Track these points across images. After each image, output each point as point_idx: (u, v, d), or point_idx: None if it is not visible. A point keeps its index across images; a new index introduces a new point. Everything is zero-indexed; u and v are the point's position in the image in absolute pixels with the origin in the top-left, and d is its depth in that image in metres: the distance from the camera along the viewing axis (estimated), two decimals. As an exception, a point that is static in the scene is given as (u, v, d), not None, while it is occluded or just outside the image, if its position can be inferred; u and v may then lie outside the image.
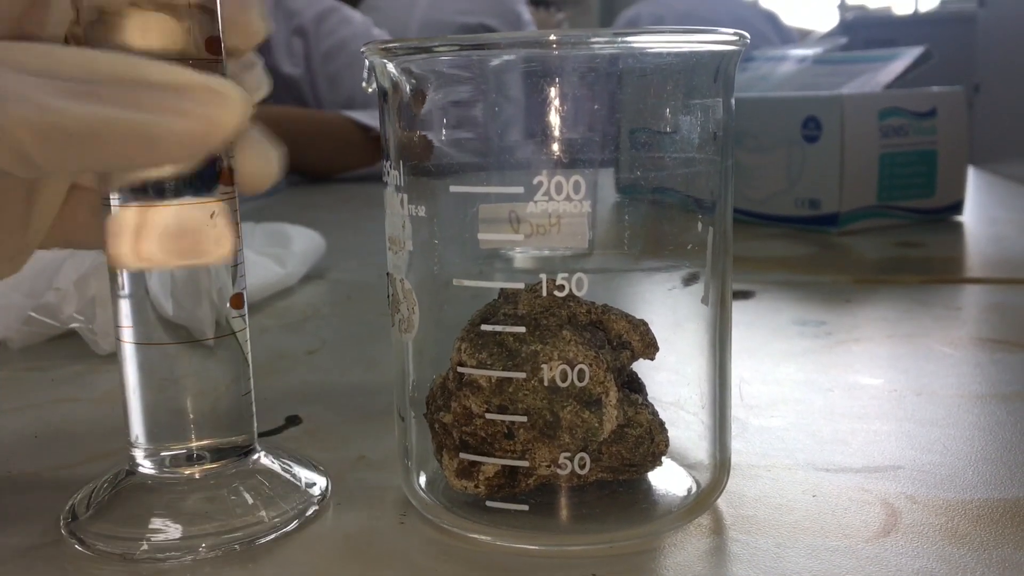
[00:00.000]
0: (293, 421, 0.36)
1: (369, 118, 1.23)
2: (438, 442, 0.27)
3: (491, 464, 0.26)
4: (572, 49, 0.24)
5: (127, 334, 0.27)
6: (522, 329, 0.25)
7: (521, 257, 0.28)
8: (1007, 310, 0.51)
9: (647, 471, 0.27)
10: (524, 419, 0.25)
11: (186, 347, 0.27)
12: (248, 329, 0.28)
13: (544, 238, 0.25)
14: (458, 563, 0.25)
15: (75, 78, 0.21)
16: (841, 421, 0.35)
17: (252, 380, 0.28)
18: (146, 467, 0.27)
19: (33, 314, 0.46)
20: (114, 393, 0.40)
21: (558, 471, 0.26)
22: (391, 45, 0.25)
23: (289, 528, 0.27)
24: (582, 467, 0.26)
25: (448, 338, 0.27)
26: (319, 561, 0.26)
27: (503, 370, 0.25)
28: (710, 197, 0.27)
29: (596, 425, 0.25)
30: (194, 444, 0.27)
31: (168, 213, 0.25)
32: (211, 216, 0.26)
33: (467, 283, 0.26)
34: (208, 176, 0.26)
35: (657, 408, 0.27)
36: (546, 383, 0.25)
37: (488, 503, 0.26)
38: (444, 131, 0.26)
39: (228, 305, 0.27)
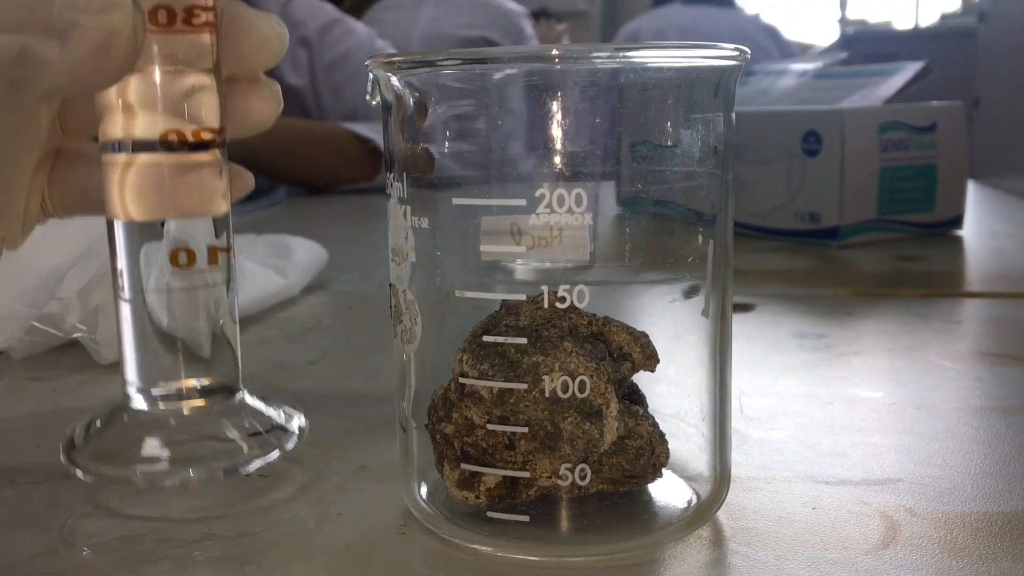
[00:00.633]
0: (294, 431, 0.36)
1: (369, 131, 1.24)
2: (439, 453, 0.27)
3: (492, 475, 0.26)
4: (574, 63, 0.24)
5: (125, 290, 0.28)
6: (523, 340, 0.25)
7: (523, 269, 0.28)
8: (1007, 324, 0.51)
9: (647, 483, 0.28)
10: (525, 430, 0.25)
11: (180, 298, 0.28)
12: (235, 275, 0.30)
13: (546, 250, 0.25)
14: (459, 574, 0.25)
15: None
16: (841, 434, 0.35)
17: (238, 326, 0.30)
18: (138, 403, 0.28)
19: (36, 324, 0.46)
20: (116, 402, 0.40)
21: (559, 482, 0.26)
22: (394, 59, 0.26)
23: (271, 457, 0.29)
24: (583, 478, 0.26)
25: (450, 349, 0.27)
26: (319, 571, 0.26)
27: (504, 381, 0.25)
28: (711, 210, 0.27)
29: (597, 436, 0.25)
30: (183, 383, 0.29)
31: (160, 165, 0.27)
32: (202, 170, 0.27)
33: (469, 294, 0.26)
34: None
35: (657, 420, 0.28)
36: (547, 394, 0.25)
37: (489, 514, 0.26)
38: (447, 144, 0.26)
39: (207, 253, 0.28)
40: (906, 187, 0.76)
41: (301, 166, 1.18)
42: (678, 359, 0.28)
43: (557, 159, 0.25)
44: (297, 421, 0.31)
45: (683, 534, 0.27)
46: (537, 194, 0.24)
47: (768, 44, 2.24)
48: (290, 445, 0.29)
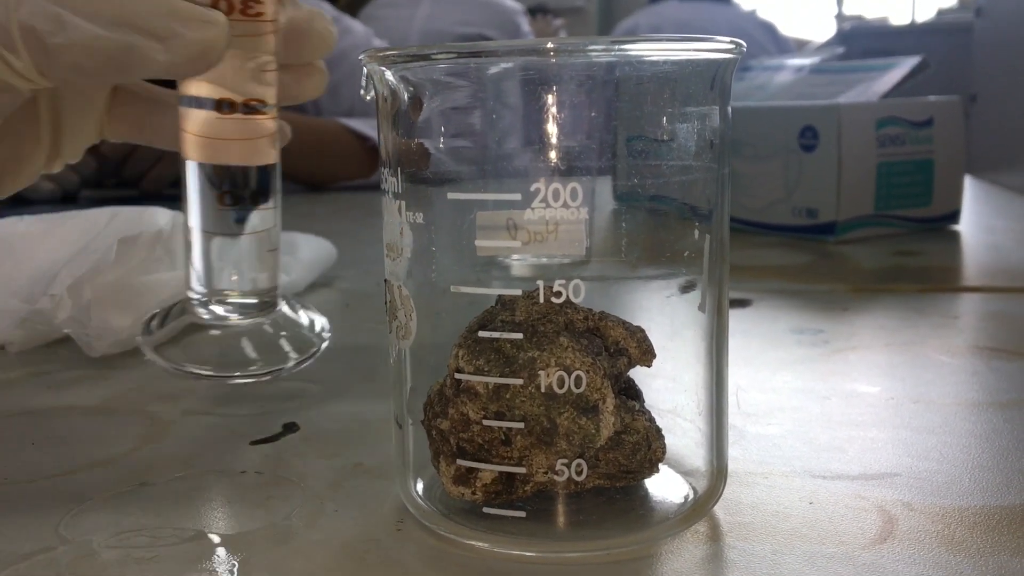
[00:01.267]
0: (291, 428, 0.36)
1: (367, 127, 1.23)
2: (435, 449, 0.27)
3: (488, 471, 0.26)
4: (569, 57, 0.24)
5: (190, 217, 0.35)
6: (519, 336, 0.25)
7: (518, 264, 0.28)
8: (1004, 318, 0.51)
9: (644, 478, 0.28)
10: (521, 425, 0.25)
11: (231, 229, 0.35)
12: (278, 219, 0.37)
13: (541, 245, 0.25)
14: (455, 570, 0.25)
15: (100, 14, 0.29)
16: (838, 429, 0.35)
17: (279, 252, 0.37)
18: (199, 312, 0.36)
19: (27, 319, 0.46)
20: (112, 400, 0.40)
21: (555, 478, 0.26)
22: (389, 53, 0.26)
23: (308, 362, 0.37)
24: (579, 474, 0.26)
25: (445, 345, 0.27)
26: (316, 568, 0.26)
27: (500, 376, 0.25)
28: (707, 205, 0.27)
29: (593, 432, 0.25)
30: (235, 296, 0.36)
31: (219, 121, 0.34)
32: (250, 128, 0.34)
33: (464, 290, 0.26)
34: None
35: (654, 415, 0.27)
36: (543, 389, 0.25)
37: (485, 510, 0.26)
38: (442, 139, 0.26)
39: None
40: (903, 182, 0.76)
41: (298, 163, 1.18)
42: (675, 354, 0.28)
43: (553, 153, 0.25)
44: (321, 323, 0.38)
45: (680, 529, 0.27)
46: (533, 188, 0.24)
47: (765, 40, 2.24)
48: (322, 348, 0.38)
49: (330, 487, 0.31)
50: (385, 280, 0.28)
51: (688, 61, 0.26)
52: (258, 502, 0.30)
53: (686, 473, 0.28)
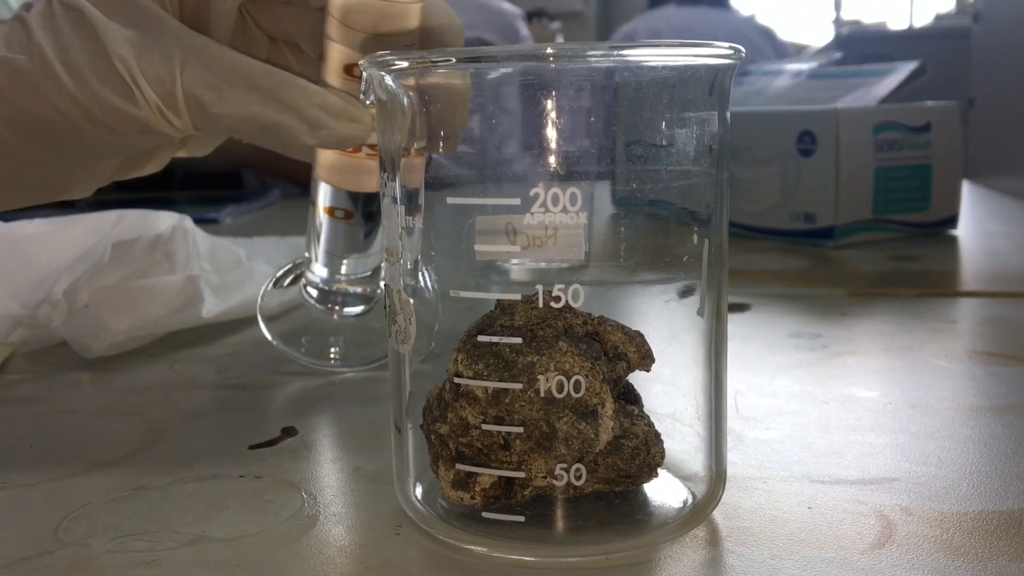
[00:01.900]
0: (289, 432, 0.36)
1: None
2: (434, 453, 0.27)
3: (487, 475, 0.26)
4: (569, 62, 0.24)
5: (316, 221, 0.41)
6: (518, 340, 0.25)
7: (518, 269, 0.28)
8: (1002, 323, 0.51)
9: (643, 482, 0.28)
10: (520, 430, 0.25)
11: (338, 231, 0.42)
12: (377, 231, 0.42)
13: (541, 250, 0.25)
14: (454, 575, 0.25)
15: (256, 75, 0.32)
16: (836, 433, 0.35)
17: (374, 258, 0.43)
18: (312, 296, 0.43)
19: (24, 322, 0.46)
20: (111, 403, 0.40)
21: (554, 482, 0.26)
22: (388, 58, 0.26)
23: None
24: (578, 478, 0.26)
25: (445, 349, 0.27)
26: (314, 573, 0.26)
27: (499, 381, 0.25)
28: (706, 210, 0.27)
29: (592, 436, 0.25)
30: (341, 287, 0.43)
31: (342, 158, 0.39)
32: (363, 165, 0.40)
33: (464, 294, 0.26)
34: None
35: (653, 420, 0.27)
36: (542, 394, 0.25)
37: (484, 514, 0.26)
38: (441, 143, 0.26)
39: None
40: (901, 187, 0.76)
41: (298, 164, 1.18)
42: (674, 359, 0.28)
43: (552, 158, 0.25)
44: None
45: (679, 534, 0.27)
46: (532, 193, 0.24)
47: (763, 45, 2.24)
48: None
49: (328, 491, 0.31)
50: (385, 284, 0.28)
51: (687, 67, 0.26)
52: (256, 506, 0.30)
53: (685, 478, 0.28)
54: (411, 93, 0.26)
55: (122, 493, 0.31)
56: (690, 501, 0.28)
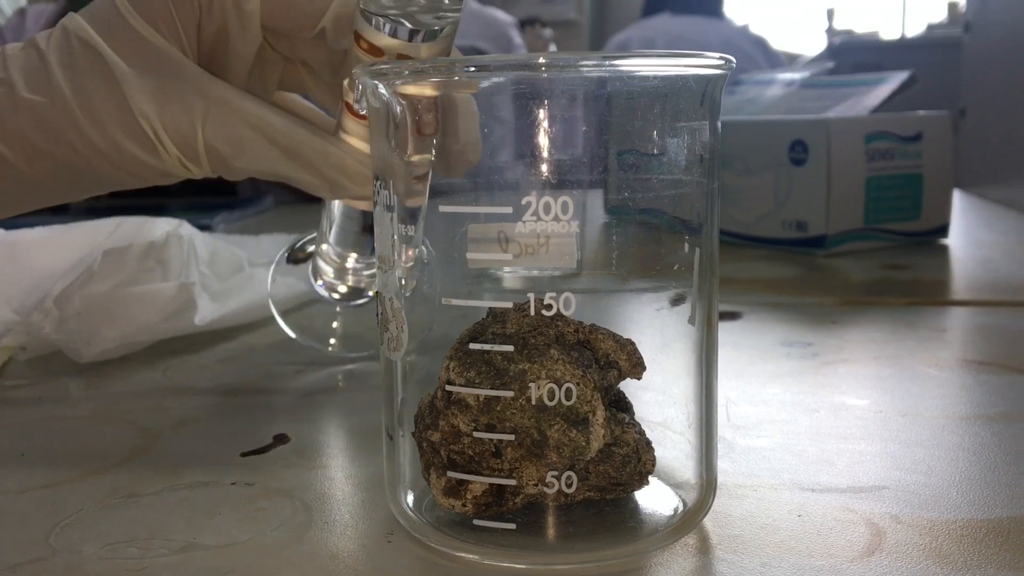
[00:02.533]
0: (281, 439, 0.36)
1: None
2: (426, 461, 0.27)
3: (479, 483, 0.26)
4: (561, 72, 0.25)
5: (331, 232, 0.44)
6: (510, 348, 0.25)
7: (509, 277, 0.28)
8: (992, 332, 0.51)
9: (634, 490, 0.28)
10: (512, 438, 0.25)
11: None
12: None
13: (532, 258, 0.25)
14: (445, 582, 0.25)
15: (276, 133, 0.33)
16: (827, 441, 0.35)
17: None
18: (320, 290, 0.46)
19: (14, 330, 0.46)
20: (102, 411, 0.40)
21: (545, 490, 0.26)
22: (382, 67, 0.26)
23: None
24: (569, 486, 0.26)
25: (436, 357, 0.27)
26: (306, 579, 0.26)
27: (491, 388, 0.25)
28: (697, 218, 0.27)
29: (583, 444, 0.25)
30: (344, 285, 0.45)
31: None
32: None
33: (456, 302, 0.26)
34: None
35: (644, 427, 0.28)
36: (534, 402, 0.25)
37: (475, 522, 0.26)
38: (433, 151, 0.26)
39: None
40: (892, 196, 0.76)
41: None
42: (665, 367, 0.28)
43: (544, 167, 0.25)
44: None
45: (669, 541, 0.27)
46: (524, 202, 0.24)
47: (756, 54, 2.25)
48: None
49: (320, 499, 0.31)
50: (377, 292, 0.28)
51: (678, 77, 0.26)
52: (248, 513, 0.30)
53: (676, 485, 0.29)
54: (400, 99, 0.26)
55: (114, 500, 0.31)
56: (681, 509, 0.28)
